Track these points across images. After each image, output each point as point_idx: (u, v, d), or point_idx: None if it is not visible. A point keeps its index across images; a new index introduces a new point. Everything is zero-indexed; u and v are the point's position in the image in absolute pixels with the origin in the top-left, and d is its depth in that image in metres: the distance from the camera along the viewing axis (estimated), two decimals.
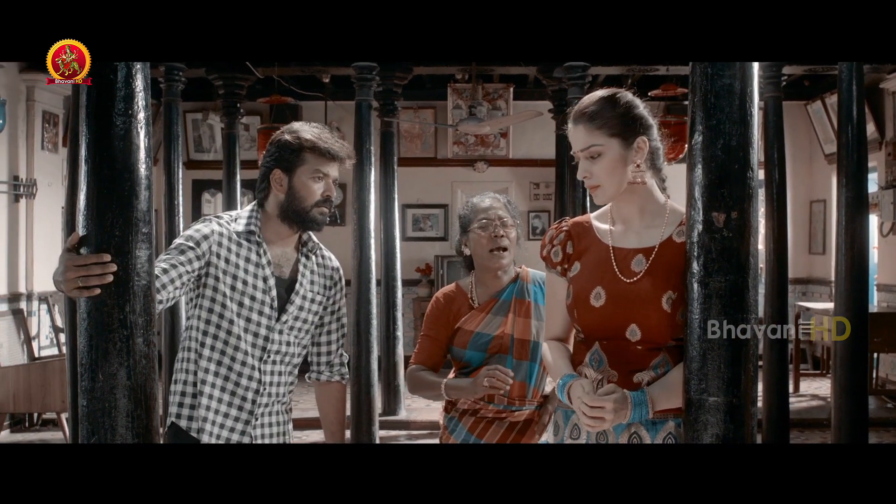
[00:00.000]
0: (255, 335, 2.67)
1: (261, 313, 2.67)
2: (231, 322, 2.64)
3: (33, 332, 7.79)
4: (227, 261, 2.65)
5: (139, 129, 1.97)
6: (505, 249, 3.11)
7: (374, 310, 6.98)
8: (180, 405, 2.69)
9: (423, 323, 3.24)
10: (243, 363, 2.66)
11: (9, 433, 7.31)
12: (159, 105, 7.23)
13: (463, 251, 3.24)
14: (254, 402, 2.68)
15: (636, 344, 2.24)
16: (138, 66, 1.96)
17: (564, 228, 2.45)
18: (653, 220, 2.32)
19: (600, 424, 2.17)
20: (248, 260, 2.67)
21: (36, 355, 7.72)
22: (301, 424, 7.53)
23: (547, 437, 2.50)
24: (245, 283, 2.66)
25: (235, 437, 2.68)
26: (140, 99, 1.97)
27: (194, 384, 2.67)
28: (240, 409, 2.67)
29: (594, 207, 2.51)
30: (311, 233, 2.81)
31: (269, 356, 2.69)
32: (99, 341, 1.95)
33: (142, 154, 1.98)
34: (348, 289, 7.50)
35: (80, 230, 1.97)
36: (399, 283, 8.10)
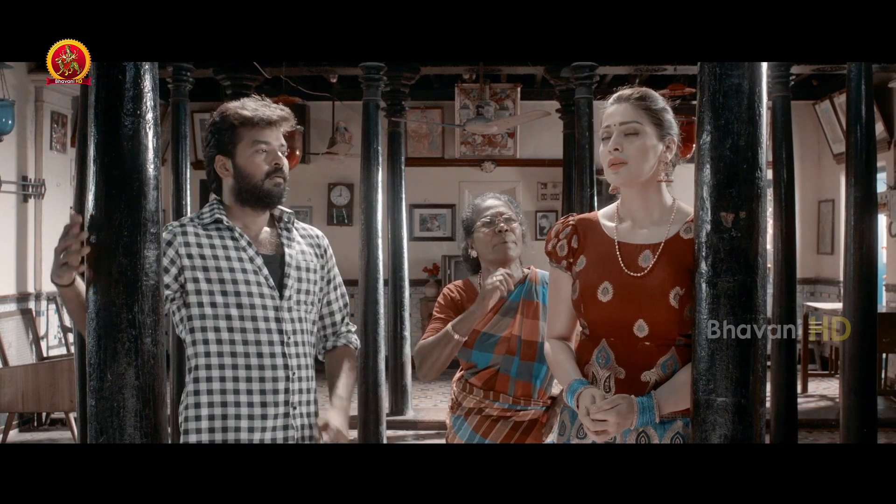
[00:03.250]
0: (266, 319, 2.50)
1: (261, 296, 2.51)
2: (229, 318, 2.47)
3: (42, 332, 7.82)
4: (201, 257, 2.49)
5: (147, 130, 1.97)
6: (513, 242, 3.11)
7: (382, 310, 6.98)
8: (200, 429, 2.46)
9: (434, 309, 3.21)
10: (260, 354, 2.48)
11: (17, 433, 7.33)
12: (167, 105, 7.24)
13: (470, 254, 3.22)
14: (287, 390, 2.50)
15: (644, 340, 2.24)
16: (147, 66, 1.97)
17: (571, 223, 2.46)
18: (660, 217, 2.33)
19: (604, 436, 2.18)
20: (225, 248, 2.52)
21: (44, 355, 7.75)
22: None
23: (552, 438, 2.48)
24: (232, 270, 2.50)
25: (280, 436, 2.51)
26: (148, 99, 1.97)
27: (210, 405, 2.46)
28: (275, 405, 2.49)
29: (602, 207, 2.52)
30: (281, 207, 2.65)
31: (288, 338, 2.52)
32: (107, 341, 1.96)
33: (150, 154, 1.99)
34: (355, 288, 7.53)
35: (89, 230, 1.98)
36: (406, 284, 8.10)
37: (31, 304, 7.79)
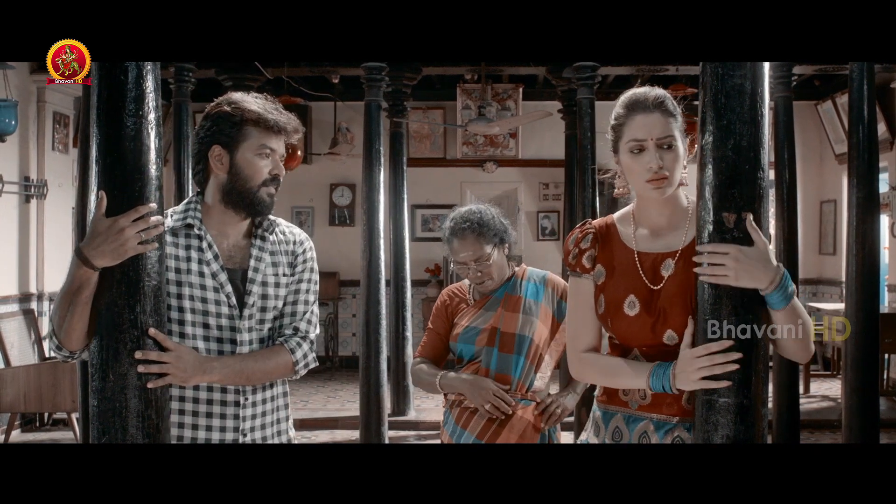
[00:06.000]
0: (220, 340, 2.32)
1: (219, 315, 2.32)
2: (185, 336, 2.28)
3: (44, 332, 7.81)
4: (166, 267, 2.23)
5: (150, 130, 1.97)
6: (490, 278, 3.16)
7: (384, 310, 6.99)
8: None
9: (431, 316, 3.38)
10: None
11: (20, 433, 7.33)
12: (169, 106, 7.25)
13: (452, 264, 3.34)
14: (236, 416, 2.33)
15: (676, 346, 2.13)
16: (149, 66, 1.97)
17: (590, 231, 2.35)
18: (679, 222, 2.26)
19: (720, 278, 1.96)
20: (188, 259, 2.32)
21: (46, 355, 7.75)
22: (309, 424, 7.57)
23: (587, 436, 2.37)
24: (191, 285, 2.30)
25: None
26: (150, 100, 1.97)
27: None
28: (222, 430, 2.32)
29: (603, 208, 2.49)
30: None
31: None
32: (109, 341, 1.96)
33: (152, 155, 1.99)
34: (357, 289, 7.48)
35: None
36: (408, 284, 8.11)
37: (34, 305, 7.79)
